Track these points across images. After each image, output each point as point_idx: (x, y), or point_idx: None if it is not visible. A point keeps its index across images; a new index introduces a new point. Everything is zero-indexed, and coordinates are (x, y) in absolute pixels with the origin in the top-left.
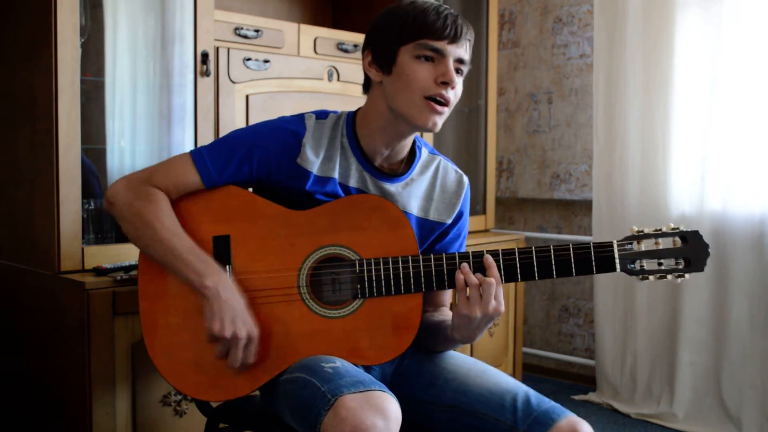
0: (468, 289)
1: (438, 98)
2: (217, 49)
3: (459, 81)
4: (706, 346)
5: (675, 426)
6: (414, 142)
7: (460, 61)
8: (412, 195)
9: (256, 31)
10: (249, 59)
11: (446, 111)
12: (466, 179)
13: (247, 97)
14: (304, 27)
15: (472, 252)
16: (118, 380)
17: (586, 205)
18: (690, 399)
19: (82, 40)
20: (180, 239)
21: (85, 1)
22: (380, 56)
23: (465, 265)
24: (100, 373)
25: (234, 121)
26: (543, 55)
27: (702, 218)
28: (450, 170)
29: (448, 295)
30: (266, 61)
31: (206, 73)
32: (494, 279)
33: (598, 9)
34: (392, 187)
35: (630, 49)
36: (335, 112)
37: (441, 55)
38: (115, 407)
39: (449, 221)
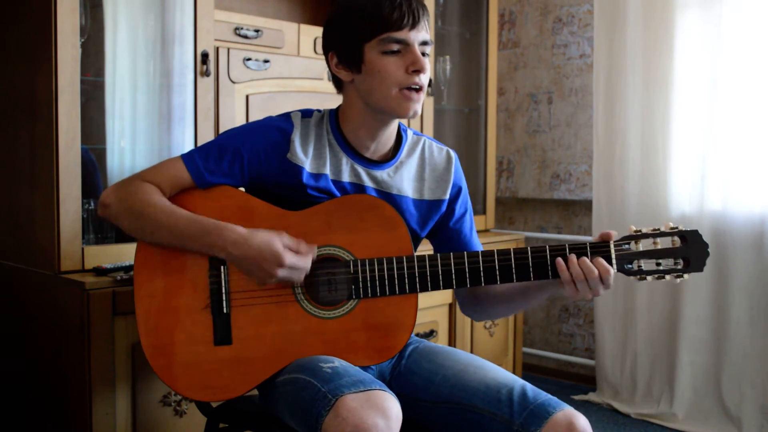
0: (575, 282)
1: (412, 86)
2: (217, 49)
3: (427, 61)
4: (706, 346)
5: (675, 426)
6: (399, 127)
7: (423, 43)
8: (404, 178)
9: (256, 31)
10: (249, 59)
11: (422, 95)
12: (453, 153)
13: (247, 97)
14: (304, 27)
15: (468, 253)
16: (118, 380)
17: (586, 205)
18: (690, 399)
19: (82, 40)
20: (175, 216)
21: (85, 1)
22: (345, 56)
23: (560, 260)
24: (100, 373)
25: (234, 121)
26: (543, 55)
27: (702, 218)
28: (435, 148)
29: None
30: (266, 61)
31: (206, 73)
32: (600, 270)
33: (598, 9)
34: (384, 173)
35: (630, 49)
36: (318, 111)
37: (406, 44)
38: (115, 407)
39: (446, 197)
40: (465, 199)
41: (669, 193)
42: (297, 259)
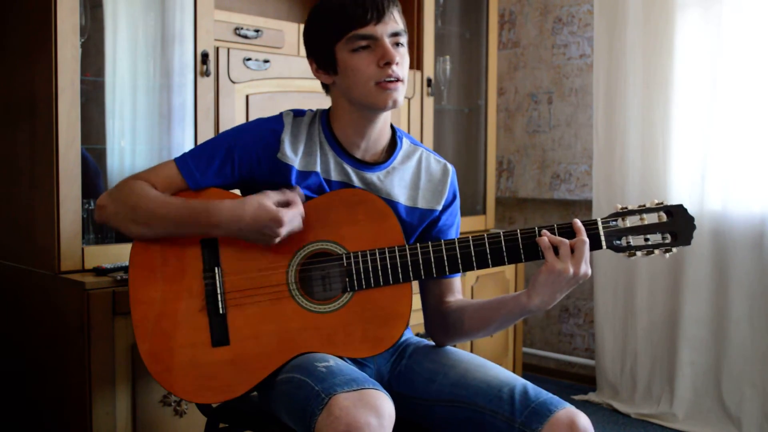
0: (559, 246)
1: (387, 79)
2: (217, 49)
3: (402, 51)
4: (706, 346)
5: (675, 426)
6: (395, 133)
7: (394, 34)
8: (395, 183)
9: (256, 31)
10: (249, 59)
11: (400, 85)
12: (450, 166)
13: (247, 97)
14: None
15: (458, 239)
16: (118, 380)
17: (586, 205)
18: (690, 399)
19: (82, 40)
20: (168, 205)
21: (85, 1)
22: (322, 61)
23: (546, 231)
24: (100, 373)
25: (234, 121)
26: (543, 55)
27: (702, 218)
28: (433, 159)
29: (458, 282)
30: (266, 61)
31: (206, 73)
32: (587, 239)
33: (598, 9)
34: (374, 176)
35: (630, 49)
36: (311, 110)
37: (373, 39)
38: (115, 407)
39: (439, 207)
40: (455, 212)
41: (669, 193)
42: (292, 211)
